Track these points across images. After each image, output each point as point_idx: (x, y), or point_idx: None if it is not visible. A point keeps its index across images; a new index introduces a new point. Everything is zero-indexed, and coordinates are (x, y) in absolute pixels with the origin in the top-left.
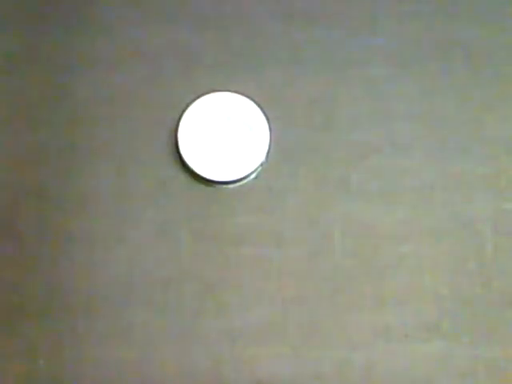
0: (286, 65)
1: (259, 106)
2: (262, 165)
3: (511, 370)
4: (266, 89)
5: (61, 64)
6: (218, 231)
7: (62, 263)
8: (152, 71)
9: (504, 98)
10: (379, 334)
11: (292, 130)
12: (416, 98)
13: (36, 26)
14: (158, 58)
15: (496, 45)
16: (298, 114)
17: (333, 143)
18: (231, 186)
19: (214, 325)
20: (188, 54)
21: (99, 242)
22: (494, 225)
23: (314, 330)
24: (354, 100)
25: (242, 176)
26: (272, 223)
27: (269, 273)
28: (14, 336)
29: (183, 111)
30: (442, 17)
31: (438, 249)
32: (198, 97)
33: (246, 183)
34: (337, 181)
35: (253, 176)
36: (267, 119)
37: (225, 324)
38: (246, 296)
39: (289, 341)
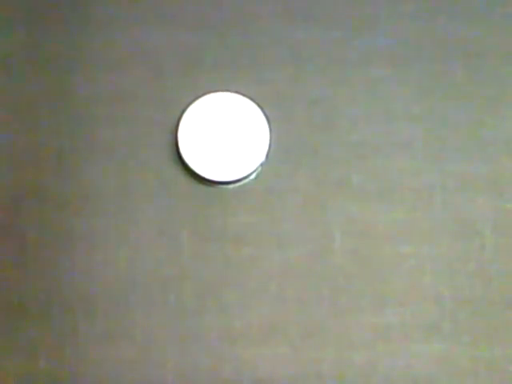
0: (286, 65)
1: (259, 106)
2: (261, 165)
3: (511, 369)
4: (266, 89)
5: (61, 64)
6: (218, 231)
7: (63, 263)
8: (152, 71)
9: (504, 98)
10: (379, 334)
11: (292, 130)
12: (416, 98)
13: (36, 26)
14: (158, 58)
15: (496, 45)
16: (298, 113)
17: (333, 143)
18: (231, 186)
19: (214, 325)
20: (188, 54)
21: (99, 242)
22: (493, 225)
23: (314, 330)
24: (354, 100)
25: (242, 176)
26: (272, 223)
27: (269, 273)
28: (14, 336)
29: (183, 111)
30: (442, 17)
31: (437, 249)
32: (198, 97)
33: (246, 183)
34: (337, 181)
35: (253, 176)
36: (267, 119)
37: (225, 324)
38: (246, 296)
39: (289, 341)
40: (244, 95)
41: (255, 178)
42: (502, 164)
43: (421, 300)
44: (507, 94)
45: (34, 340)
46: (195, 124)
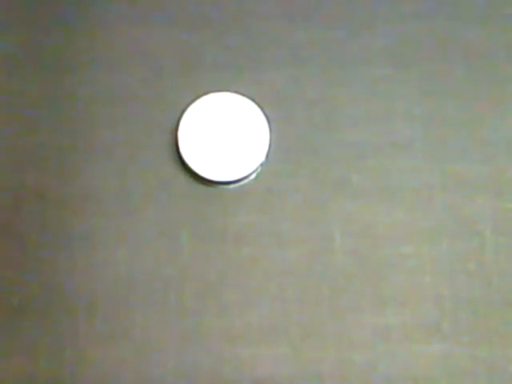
0: (286, 65)
1: (259, 106)
2: (261, 165)
3: (511, 369)
4: (266, 89)
5: (61, 64)
6: (218, 231)
7: (62, 263)
8: (152, 71)
9: (504, 98)
10: (379, 334)
11: (292, 130)
12: (416, 98)
13: (36, 26)
14: (158, 58)
15: (496, 45)
16: (298, 113)
17: (333, 143)
18: (231, 186)
19: (214, 325)
20: (188, 54)
21: (99, 242)
22: (493, 225)
23: (314, 330)
24: (354, 100)
25: (242, 176)
26: (272, 223)
27: (269, 273)
28: (14, 336)
29: (183, 111)
30: (442, 17)
31: (437, 249)
32: (198, 97)
33: (246, 183)
34: (337, 181)
35: (253, 176)
36: (267, 119)
37: (225, 324)
38: (246, 296)
39: (289, 341)
40: (244, 95)
41: (255, 178)
42: (501, 164)
43: (421, 300)
44: (507, 94)
45: (34, 340)
46: (195, 124)
